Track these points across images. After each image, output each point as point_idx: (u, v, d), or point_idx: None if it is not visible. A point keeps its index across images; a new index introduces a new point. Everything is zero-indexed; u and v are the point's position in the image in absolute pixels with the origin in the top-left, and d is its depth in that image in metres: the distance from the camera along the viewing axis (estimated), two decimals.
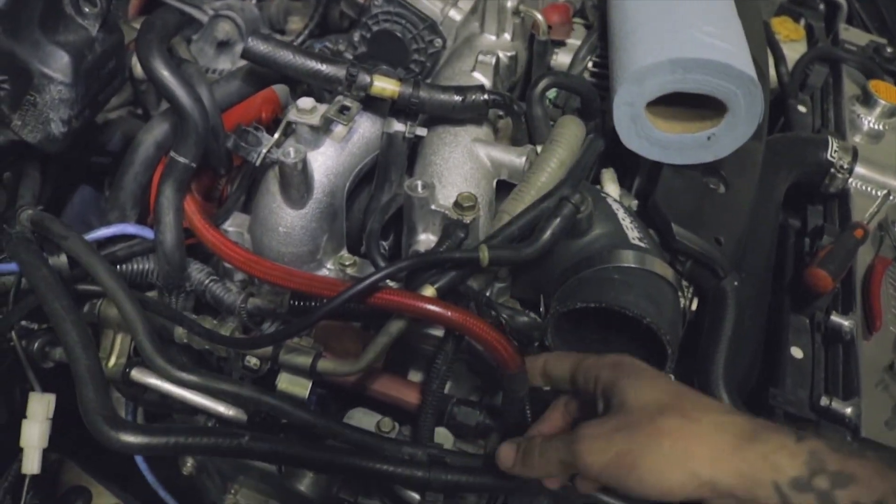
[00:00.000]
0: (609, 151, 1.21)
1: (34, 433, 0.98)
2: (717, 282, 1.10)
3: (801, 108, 1.58)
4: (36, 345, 1.06)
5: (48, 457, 1.27)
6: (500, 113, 1.22)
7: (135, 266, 1.08)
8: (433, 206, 1.04)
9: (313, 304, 1.01)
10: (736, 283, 1.10)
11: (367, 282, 0.90)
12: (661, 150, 1.14)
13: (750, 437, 0.68)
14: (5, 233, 1.04)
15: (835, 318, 1.18)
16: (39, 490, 1.17)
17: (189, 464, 1.34)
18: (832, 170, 1.35)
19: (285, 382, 1.00)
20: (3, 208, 1.20)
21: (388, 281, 1.02)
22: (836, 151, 1.35)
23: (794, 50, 1.69)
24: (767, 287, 1.26)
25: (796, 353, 1.18)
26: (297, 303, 1.03)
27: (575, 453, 0.74)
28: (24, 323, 1.07)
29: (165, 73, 0.99)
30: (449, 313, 0.92)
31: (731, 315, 1.08)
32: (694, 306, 1.14)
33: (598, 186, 1.19)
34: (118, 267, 1.06)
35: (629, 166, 1.25)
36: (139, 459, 1.29)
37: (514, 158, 1.11)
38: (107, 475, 1.36)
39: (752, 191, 1.23)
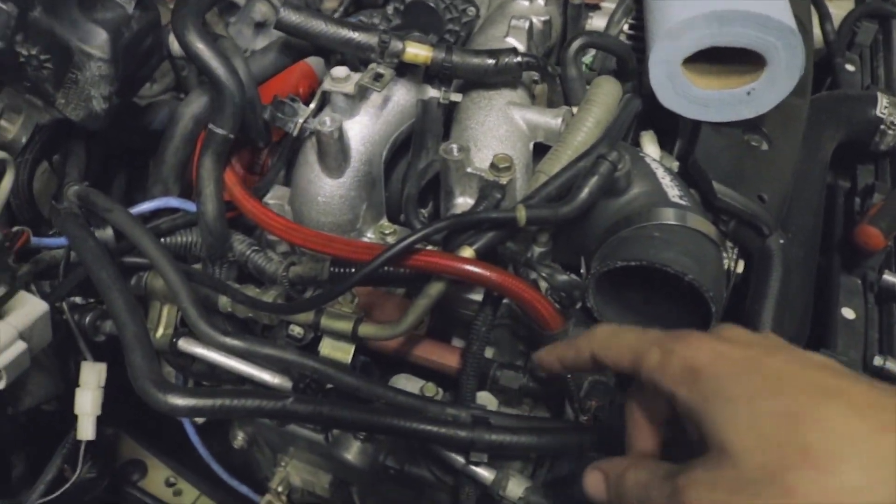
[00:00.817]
0: (648, 114, 1.20)
1: (87, 401, 1.00)
2: (762, 240, 1.08)
3: (849, 67, 1.53)
4: (88, 318, 1.09)
5: (104, 431, 1.32)
6: (536, 77, 1.22)
7: (178, 239, 1.10)
8: (469, 170, 1.04)
9: (353, 269, 1.02)
10: (782, 241, 1.08)
11: (404, 243, 0.90)
12: (700, 107, 1.12)
13: None
14: (55, 209, 1.07)
15: (888, 276, 1.15)
16: (97, 462, 1.21)
17: (240, 437, 1.36)
18: (882, 126, 1.31)
19: (328, 348, 1.01)
20: (54, 188, 1.24)
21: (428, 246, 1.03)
22: (885, 107, 1.31)
23: (840, 8, 1.64)
24: (815, 248, 1.23)
25: (848, 313, 1.15)
26: (337, 269, 1.04)
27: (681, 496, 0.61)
28: (77, 299, 1.10)
29: (201, 46, 1.01)
30: (487, 273, 0.92)
31: (777, 273, 1.06)
32: (740, 269, 1.12)
33: (639, 148, 1.18)
34: (163, 239, 1.08)
35: (669, 128, 1.23)
36: (191, 433, 1.32)
37: (550, 120, 1.10)
38: (162, 449, 1.40)
39: (795, 148, 1.20)
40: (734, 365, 0.62)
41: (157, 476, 1.34)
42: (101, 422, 1.32)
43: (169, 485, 1.33)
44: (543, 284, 1.03)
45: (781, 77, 1.07)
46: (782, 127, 1.19)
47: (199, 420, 1.32)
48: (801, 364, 0.61)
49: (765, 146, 1.17)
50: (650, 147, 1.18)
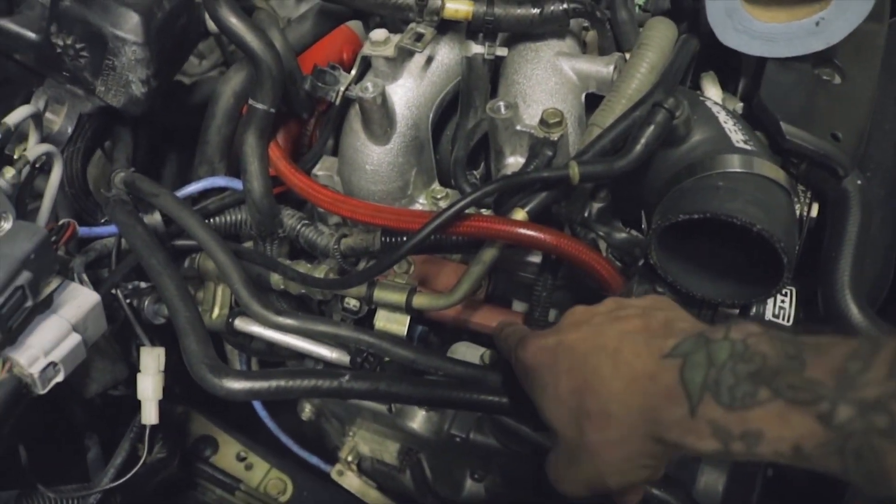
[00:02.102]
0: (708, 54, 1.12)
1: (148, 386, 1.01)
2: (838, 182, 1.01)
3: None
4: (146, 302, 1.09)
5: (175, 409, 1.34)
6: (586, 24, 1.15)
7: (227, 218, 1.09)
8: (518, 127, 0.99)
9: (404, 238, 0.99)
10: (859, 182, 1.00)
11: (451, 210, 0.87)
12: (764, 43, 1.04)
13: (653, 419, 0.65)
14: (104, 197, 1.07)
15: None
16: (167, 442, 1.23)
17: (308, 410, 1.37)
18: None
19: (383, 320, 1.00)
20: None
21: (482, 210, 1.00)
22: None
23: None
24: None
25: None
26: (388, 239, 1.02)
27: (557, 486, 0.76)
28: (138, 284, 1.11)
29: (234, 20, 0.98)
30: (541, 235, 0.88)
31: (855, 217, 0.99)
32: (814, 212, 1.05)
33: (699, 92, 1.11)
34: (212, 220, 1.08)
35: (731, 68, 1.16)
36: (259, 408, 1.34)
37: (602, 68, 1.04)
38: (232, 424, 1.41)
39: (873, 79, 1.11)
40: (547, 355, 0.75)
41: (229, 451, 1.36)
42: (171, 401, 1.35)
43: (240, 459, 1.35)
44: (603, 244, 0.99)
45: (853, 2, 0.98)
46: (857, 57, 1.11)
47: None
48: (591, 330, 0.73)
49: (838, 80, 1.09)
50: (711, 90, 1.12)
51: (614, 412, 0.67)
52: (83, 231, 1.05)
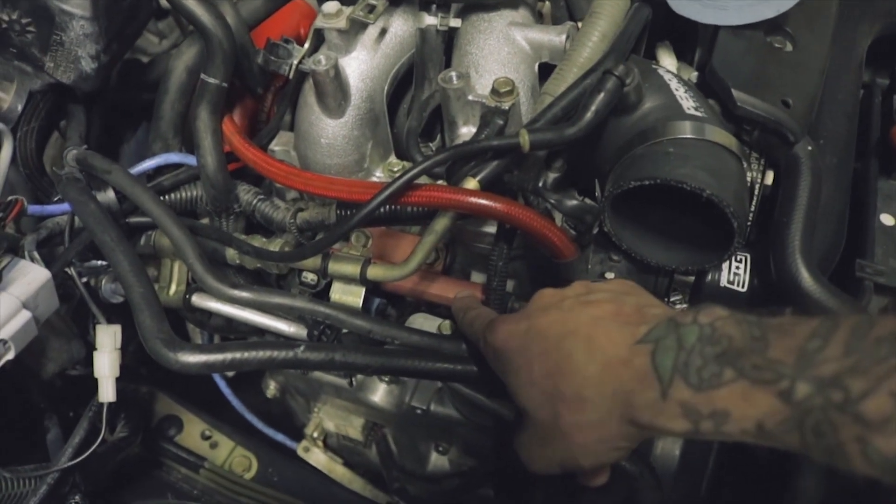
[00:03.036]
0: (664, 23, 1.13)
1: (105, 363, 1.01)
2: (789, 148, 1.02)
3: None
4: (104, 280, 1.09)
5: (139, 390, 1.34)
6: None
7: (182, 194, 1.08)
8: (470, 97, 0.99)
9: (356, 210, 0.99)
10: (810, 149, 1.01)
11: (402, 180, 0.87)
12: (716, 11, 1.05)
13: (627, 402, 0.67)
14: (57, 175, 1.06)
15: None
16: (129, 421, 1.22)
17: (272, 387, 1.37)
18: None
19: (338, 293, 1.00)
20: None
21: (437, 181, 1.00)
22: None
23: None
24: (851, 152, 1.16)
25: (887, 220, 1.09)
26: (343, 212, 1.02)
27: (528, 466, 0.79)
28: (93, 262, 1.10)
29: None
30: (491, 203, 0.88)
31: (805, 182, 1.00)
32: (769, 180, 1.06)
33: (654, 62, 1.12)
34: (167, 196, 1.07)
35: (688, 37, 1.16)
36: (223, 386, 1.33)
37: (554, 37, 1.04)
38: (197, 403, 1.41)
39: (824, 47, 1.12)
40: (518, 338, 0.77)
41: (193, 430, 1.35)
42: (136, 381, 1.35)
43: (205, 438, 1.35)
44: (558, 213, 0.99)
45: None
46: (809, 25, 1.12)
47: (230, 373, 1.33)
48: (562, 315, 0.74)
49: (789, 47, 1.09)
50: (666, 59, 1.12)
51: (589, 396, 0.69)
52: (35, 209, 1.04)
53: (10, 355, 0.84)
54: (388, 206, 0.92)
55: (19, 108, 1.08)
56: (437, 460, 1.30)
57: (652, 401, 0.64)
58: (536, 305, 0.79)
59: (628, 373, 0.66)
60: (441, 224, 0.92)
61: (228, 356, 0.88)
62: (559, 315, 0.75)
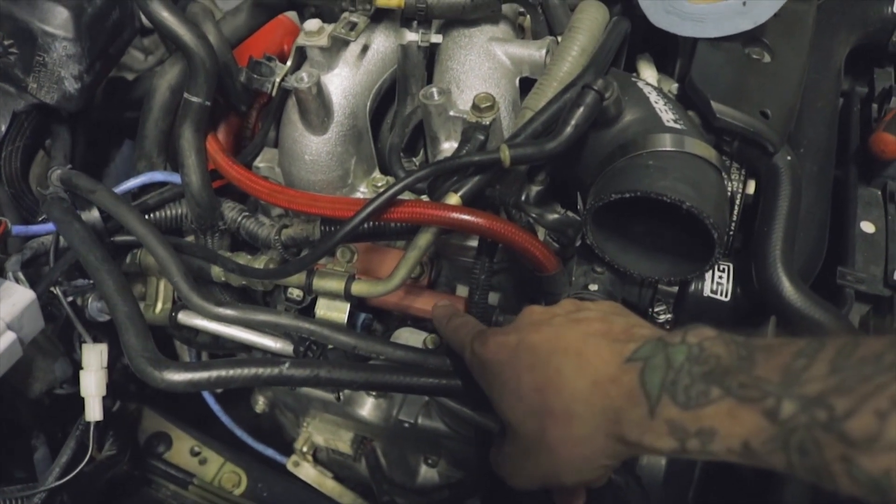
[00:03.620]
0: (645, 36, 1.14)
1: (91, 382, 1.01)
2: (768, 159, 1.03)
3: None
4: (90, 299, 1.09)
5: (127, 407, 1.34)
6: (522, 10, 1.16)
7: (167, 212, 1.09)
8: (452, 113, 1.00)
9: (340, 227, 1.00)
10: (789, 158, 1.02)
11: (385, 196, 0.87)
12: (694, 23, 1.06)
13: (615, 419, 0.67)
14: (41, 195, 1.06)
15: None
16: (117, 439, 1.22)
17: (261, 402, 1.37)
18: None
19: (323, 308, 1.00)
20: None
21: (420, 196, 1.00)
22: None
23: None
24: (831, 161, 1.17)
25: (867, 227, 1.10)
26: (328, 228, 1.02)
27: (508, 480, 0.80)
28: (78, 281, 1.10)
29: (165, 14, 0.98)
30: (473, 219, 0.89)
31: (785, 192, 1.01)
32: (750, 189, 1.07)
33: (635, 74, 1.13)
34: (152, 214, 1.07)
35: (668, 49, 1.18)
36: (211, 402, 1.33)
37: (534, 52, 1.05)
38: (186, 419, 1.41)
39: (802, 57, 1.14)
40: (507, 352, 0.77)
41: (182, 447, 1.35)
42: (124, 398, 1.35)
43: (194, 454, 1.34)
44: (541, 228, 1.00)
45: None
46: (786, 36, 1.13)
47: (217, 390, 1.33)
48: (553, 331, 0.75)
49: (767, 58, 1.10)
50: (647, 71, 1.13)
51: (577, 411, 0.69)
52: (20, 230, 1.04)
53: None
54: (371, 222, 0.93)
55: (3, 128, 1.08)
56: (427, 473, 1.30)
57: (640, 418, 0.65)
58: (526, 321, 0.80)
59: (617, 390, 0.67)
60: (424, 239, 0.93)
61: (213, 374, 0.88)
62: (550, 331, 0.75)
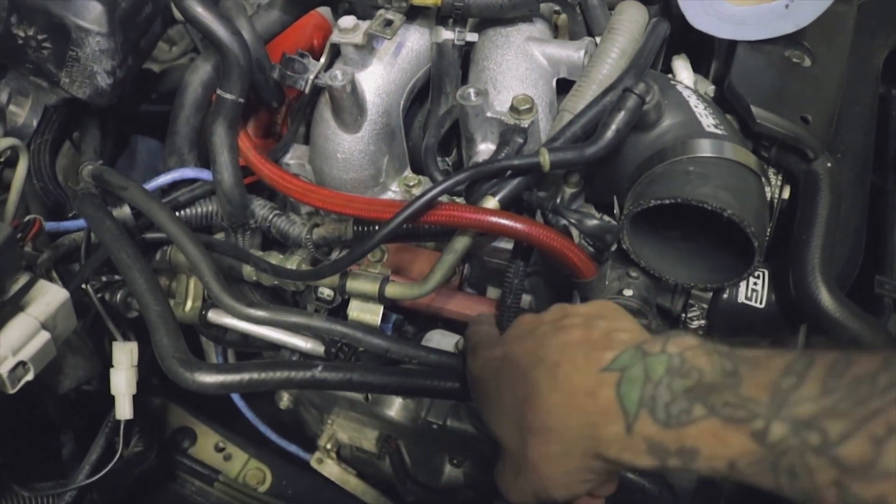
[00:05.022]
0: (680, 37, 1.12)
1: (121, 381, 1.01)
2: (808, 164, 1.01)
3: None
4: (119, 296, 1.08)
5: (152, 402, 1.34)
6: (557, 8, 1.15)
7: (198, 209, 1.08)
8: (489, 114, 0.99)
9: (377, 226, 0.99)
10: (829, 164, 1.01)
11: (423, 199, 0.86)
12: (734, 26, 1.04)
13: (591, 435, 0.65)
14: (72, 191, 1.05)
15: None
16: (144, 436, 1.22)
17: (285, 399, 1.37)
18: None
19: (356, 310, 0.99)
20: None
21: (455, 198, 0.99)
22: None
23: None
24: (868, 167, 1.15)
25: None
26: (360, 228, 1.01)
27: (506, 497, 0.77)
28: (108, 277, 1.10)
29: (199, 10, 0.97)
30: (512, 223, 0.88)
31: (825, 198, 0.99)
32: (786, 195, 1.05)
33: (671, 75, 1.11)
34: (182, 211, 1.07)
35: (704, 50, 1.16)
36: (237, 399, 1.33)
37: (572, 53, 1.04)
38: (210, 415, 1.41)
39: (842, 61, 1.12)
40: (493, 367, 0.76)
41: (207, 442, 1.35)
42: (149, 392, 1.34)
43: (218, 450, 1.34)
44: (575, 230, 0.99)
45: None
46: (826, 39, 1.11)
47: None
48: (535, 343, 0.72)
49: (808, 62, 1.09)
50: (683, 73, 1.11)
51: (554, 427, 0.67)
52: (51, 226, 1.03)
53: (30, 376, 0.84)
54: (407, 224, 0.92)
55: (34, 123, 1.08)
56: (452, 473, 1.29)
57: (617, 436, 0.62)
58: (514, 332, 0.78)
59: (593, 404, 0.64)
60: (461, 243, 0.92)
61: (246, 376, 0.88)
62: (532, 343, 0.73)
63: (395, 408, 1.17)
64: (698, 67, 1.15)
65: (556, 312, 0.77)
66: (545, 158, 0.89)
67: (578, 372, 0.67)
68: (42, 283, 0.87)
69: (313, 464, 1.35)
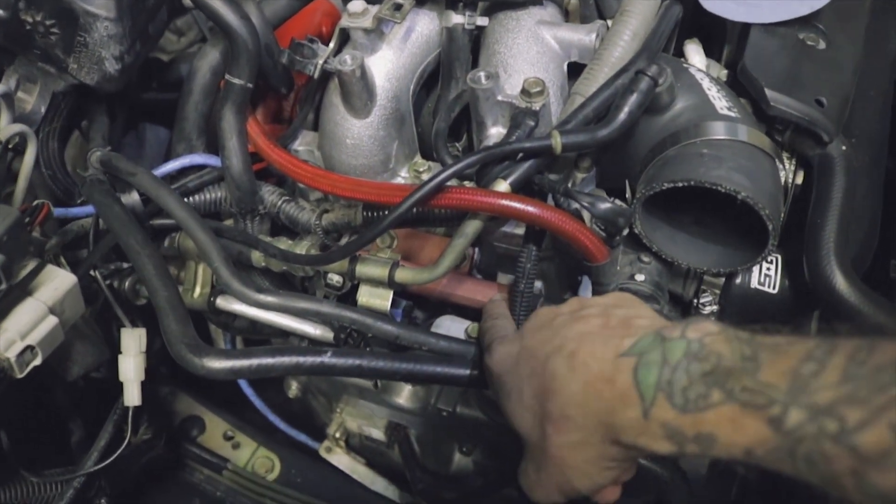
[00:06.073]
0: (692, 20, 1.11)
1: (130, 367, 1.00)
2: (822, 148, 1.00)
3: None
4: (127, 283, 1.08)
5: (160, 390, 1.33)
6: None
7: (207, 195, 1.07)
8: (500, 97, 0.98)
9: (386, 212, 0.98)
10: (844, 148, 0.99)
11: (433, 183, 0.85)
12: (749, 8, 1.03)
13: (608, 422, 0.64)
14: (81, 177, 1.05)
15: None
16: (152, 423, 1.22)
17: (294, 387, 1.36)
18: None
19: (366, 296, 0.98)
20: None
21: (465, 182, 0.98)
22: None
23: None
24: (883, 151, 1.14)
25: None
26: (370, 214, 1.00)
27: (530, 495, 0.77)
28: (115, 264, 1.10)
29: None
30: (524, 207, 0.87)
31: (840, 182, 0.98)
32: (799, 180, 1.04)
33: (683, 59, 1.10)
34: (191, 198, 1.06)
35: (716, 34, 1.15)
36: (244, 386, 1.33)
37: (583, 36, 1.03)
38: (219, 403, 1.41)
39: (858, 44, 1.10)
40: (511, 361, 0.76)
41: (216, 431, 1.35)
42: (157, 381, 1.34)
43: (227, 438, 1.34)
44: (586, 214, 0.98)
45: None
46: (841, 22, 1.10)
47: None
48: (552, 333, 0.72)
49: (822, 45, 1.07)
50: (695, 56, 1.10)
51: (572, 415, 0.67)
52: (59, 212, 1.03)
53: (38, 361, 0.83)
54: (418, 208, 0.91)
55: (42, 109, 1.07)
56: (461, 461, 1.29)
57: (633, 420, 0.62)
58: (531, 325, 0.78)
59: (610, 390, 0.64)
60: (472, 227, 0.91)
61: (255, 362, 0.87)
62: (549, 333, 0.73)
63: (405, 395, 1.17)
64: (710, 52, 1.14)
65: (573, 304, 0.77)
66: (557, 141, 0.88)
67: (597, 359, 0.66)
68: (50, 268, 0.87)
69: (322, 453, 1.35)
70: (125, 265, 1.09)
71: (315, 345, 1.03)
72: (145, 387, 1.04)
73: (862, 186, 1.03)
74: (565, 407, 0.67)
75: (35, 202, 0.91)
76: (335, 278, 1.04)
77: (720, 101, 0.98)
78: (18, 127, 0.96)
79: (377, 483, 1.36)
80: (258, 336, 1.16)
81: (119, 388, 1.05)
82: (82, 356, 1.03)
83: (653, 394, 0.60)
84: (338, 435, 1.34)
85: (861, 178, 1.03)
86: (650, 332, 0.65)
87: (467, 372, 0.89)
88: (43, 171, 1.14)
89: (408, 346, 0.94)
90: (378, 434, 1.29)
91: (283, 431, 1.38)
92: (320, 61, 1.05)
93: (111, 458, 1.02)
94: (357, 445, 1.38)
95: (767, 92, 0.99)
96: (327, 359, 0.87)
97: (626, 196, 1.02)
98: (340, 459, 1.35)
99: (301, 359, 0.87)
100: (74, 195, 1.15)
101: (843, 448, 0.49)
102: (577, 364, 0.67)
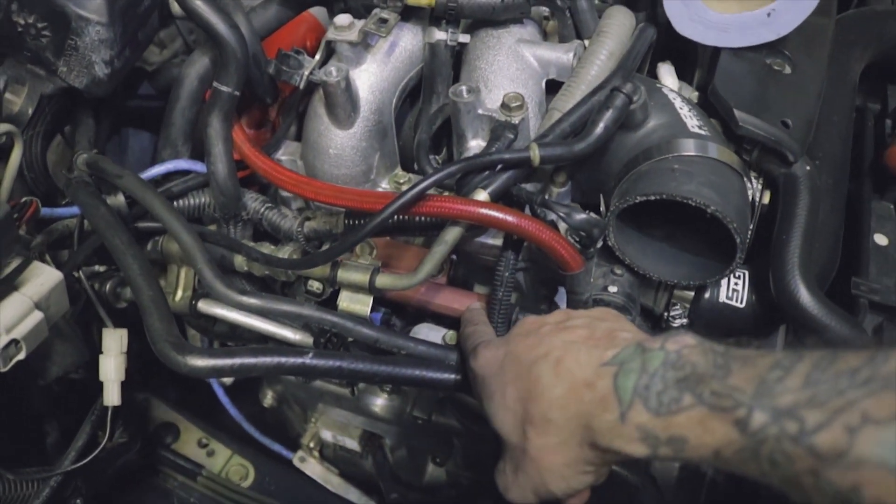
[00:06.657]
0: (665, 44, 1.15)
1: (110, 367, 1.01)
2: (788, 167, 1.04)
3: None
4: (108, 285, 1.09)
5: (136, 396, 1.34)
6: (547, 13, 1.18)
7: (191, 200, 1.09)
8: (480, 111, 1.01)
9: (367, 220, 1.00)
10: (808, 168, 1.04)
11: (414, 190, 0.88)
12: (718, 32, 1.07)
13: (587, 424, 0.67)
14: (66, 178, 1.06)
15: None
16: (128, 427, 1.22)
17: (269, 396, 1.37)
18: None
19: (346, 301, 1.01)
20: (70, 160, 1.23)
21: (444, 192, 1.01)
22: None
23: None
24: (845, 173, 1.19)
25: (880, 240, 1.12)
26: (351, 221, 1.03)
27: (505, 495, 0.79)
28: (97, 267, 1.11)
29: (199, 3, 0.98)
30: (502, 215, 0.89)
31: (804, 201, 1.02)
32: (766, 199, 1.08)
33: (656, 80, 1.14)
34: (175, 202, 1.08)
35: (688, 57, 1.19)
36: (220, 394, 1.33)
37: (562, 55, 1.07)
38: (194, 411, 1.41)
39: (821, 70, 1.15)
40: (496, 364, 0.79)
41: (190, 438, 1.35)
42: (132, 387, 1.34)
43: (202, 446, 1.35)
44: (562, 225, 1.01)
45: None
46: (806, 49, 1.15)
47: (227, 381, 1.33)
48: (537, 340, 0.75)
49: (788, 70, 1.12)
50: (668, 78, 1.14)
51: (554, 418, 0.69)
52: (45, 212, 1.04)
53: (22, 355, 0.84)
54: (397, 216, 0.93)
55: (30, 111, 1.08)
56: (434, 471, 1.31)
57: (611, 423, 0.65)
58: (517, 331, 0.81)
59: (590, 394, 0.67)
60: (452, 235, 0.94)
61: (237, 361, 0.89)
62: (535, 340, 0.76)
63: (381, 403, 1.18)
64: (682, 75, 1.18)
65: (559, 315, 0.80)
66: (535, 153, 0.92)
67: (581, 366, 0.69)
68: (36, 264, 0.88)
69: (296, 462, 1.36)
70: (106, 269, 1.10)
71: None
72: (122, 391, 1.04)
73: (825, 206, 1.08)
74: (547, 410, 0.70)
75: (24, 199, 0.92)
76: (315, 284, 1.06)
77: (691, 120, 1.02)
78: (6, 126, 0.98)
79: (350, 493, 1.37)
80: (238, 341, 1.17)
81: (96, 390, 1.05)
82: (62, 357, 1.04)
83: (630, 398, 0.64)
84: (312, 445, 1.35)
85: (824, 197, 1.08)
86: (632, 344, 0.68)
87: (448, 375, 0.91)
88: (26, 175, 1.15)
89: (387, 350, 0.96)
90: (352, 444, 1.30)
91: (258, 440, 1.38)
92: (306, 72, 1.07)
93: (89, 458, 1.02)
94: (331, 455, 1.39)
95: (736, 112, 1.03)
96: (309, 360, 0.89)
97: (601, 209, 1.05)
98: (314, 469, 1.36)
99: (283, 359, 0.89)
100: (56, 200, 1.16)
101: (802, 448, 0.52)
102: (561, 370, 0.70)
